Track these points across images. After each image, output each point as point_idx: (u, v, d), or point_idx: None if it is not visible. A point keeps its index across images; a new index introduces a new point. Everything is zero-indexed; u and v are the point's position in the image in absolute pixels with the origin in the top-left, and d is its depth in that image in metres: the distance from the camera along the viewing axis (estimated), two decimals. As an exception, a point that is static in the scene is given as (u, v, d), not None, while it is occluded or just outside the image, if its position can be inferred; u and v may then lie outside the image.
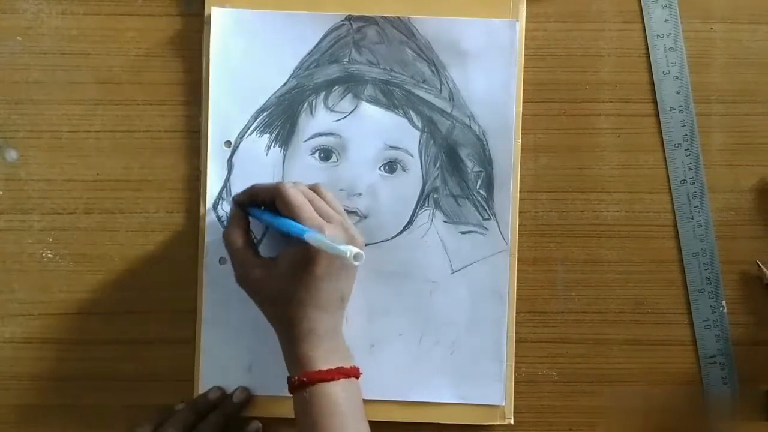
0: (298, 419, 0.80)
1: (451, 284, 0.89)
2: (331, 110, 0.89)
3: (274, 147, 0.89)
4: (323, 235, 0.75)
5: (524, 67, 0.90)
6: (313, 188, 0.84)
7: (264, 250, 0.88)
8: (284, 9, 0.89)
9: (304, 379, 0.78)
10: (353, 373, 0.81)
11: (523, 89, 0.90)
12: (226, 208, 0.89)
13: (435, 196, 0.89)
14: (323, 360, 0.79)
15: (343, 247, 0.72)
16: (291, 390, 0.80)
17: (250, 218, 0.85)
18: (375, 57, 0.89)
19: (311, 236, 0.74)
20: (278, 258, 0.81)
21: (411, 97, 0.89)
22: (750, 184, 0.91)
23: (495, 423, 0.89)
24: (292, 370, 0.80)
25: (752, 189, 0.91)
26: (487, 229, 0.89)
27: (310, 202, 0.81)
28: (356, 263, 0.72)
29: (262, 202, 0.83)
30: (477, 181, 0.89)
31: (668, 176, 0.91)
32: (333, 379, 0.78)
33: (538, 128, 0.91)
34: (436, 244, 0.89)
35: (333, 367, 0.79)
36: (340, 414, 0.78)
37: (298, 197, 0.79)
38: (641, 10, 0.91)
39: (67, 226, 0.91)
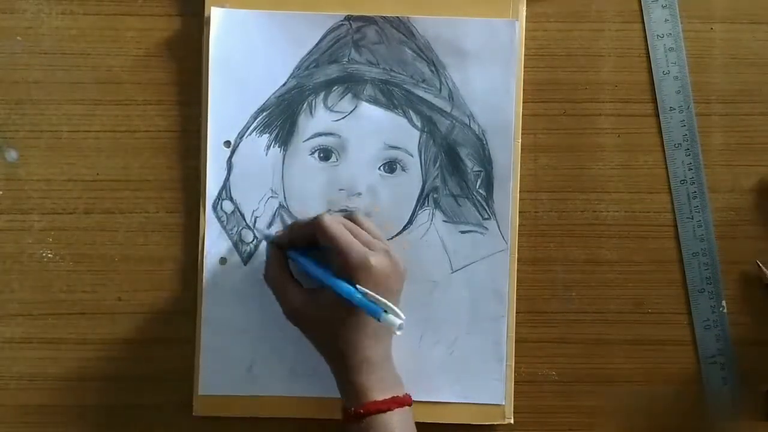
0: None
1: (451, 284, 0.89)
2: (331, 110, 0.89)
3: (273, 147, 0.89)
4: (367, 300, 0.76)
5: (524, 67, 0.90)
6: (350, 217, 0.85)
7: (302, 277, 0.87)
8: (284, 9, 0.89)
9: (361, 410, 0.78)
10: (407, 401, 0.81)
11: (523, 89, 0.90)
12: (226, 207, 0.89)
13: (435, 195, 0.89)
14: (378, 390, 0.79)
15: (390, 318, 0.74)
16: (345, 420, 0.80)
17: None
18: (374, 57, 0.89)
19: (359, 300, 0.76)
20: (324, 290, 0.80)
21: (410, 96, 0.89)
22: (750, 184, 0.91)
23: (495, 423, 0.89)
24: (348, 400, 0.80)
25: (752, 189, 0.91)
26: (486, 228, 0.89)
27: (350, 231, 0.81)
28: (398, 333, 0.74)
29: (302, 240, 0.84)
30: (477, 181, 0.89)
31: (668, 176, 0.91)
32: (389, 410, 0.79)
33: (538, 128, 0.91)
34: (436, 243, 0.89)
35: (388, 397, 0.79)
36: None
37: (337, 227, 0.80)
38: (641, 10, 0.91)
39: (67, 226, 0.91)
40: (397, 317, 0.74)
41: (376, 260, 0.78)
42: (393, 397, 0.80)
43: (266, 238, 0.89)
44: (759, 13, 0.92)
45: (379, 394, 0.79)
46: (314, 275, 0.81)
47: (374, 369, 0.80)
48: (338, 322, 0.79)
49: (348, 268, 0.78)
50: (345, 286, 0.77)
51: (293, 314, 0.82)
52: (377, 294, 0.77)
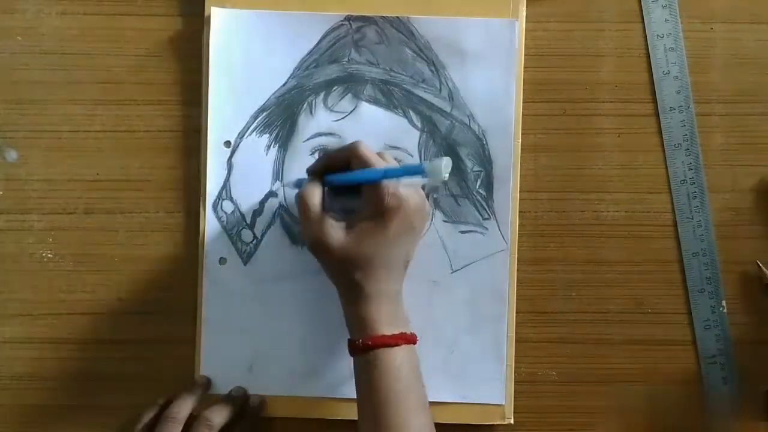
0: (359, 381, 0.80)
1: (451, 284, 0.89)
2: (331, 110, 0.89)
3: (273, 147, 0.89)
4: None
5: (524, 67, 0.90)
6: (380, 155, 0.83)
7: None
8: (284, 9, 0.89)
9: (369, 342, 0.78)
10: (413, 339, 0.81)
11: (523, 89, 0.90)
12: (226, 207, 0.89)
13: (434, 195, 0.89)
14: (387, 324, 0.79)
15: (435, 163, 0.74)
16: (352, 352, 0.80)
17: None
18: (374, 57, 0.89)
19: (430, 166, 0.75)
20: (352, 220, 0.80)
21: (410, 96, 0.89)
22: (750, 184, 0.91)
23: (495, 423, 0.89)
24: (355, 332, 0.80)
25: (752, 189, 0.91)
26: (486, 228, 0.89)
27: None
28: (446, 173, 0.74)
29: (336, 169, 0.82)
30: (476, 181, 0.89)
31: (668, 176, 0.91)
32: (396, 345, 0.79)
33: (538, 128, 0.91)
34: (435, 243, 0.89)
35: (396, 332, 0.79)
36: (402, 379, 0.78)
37: (374, 154, 0.80)
38: (641, 10, 0.91)
39: (67, 226, 0.91)
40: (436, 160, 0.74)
41: (406, 191, 0.78)
42: (401, 333, 0.80)
43: (294, 185, 0.89)
44: (759, 13, 0.91)
45: (387, 328, 0.79)
46: (352, 179, 0.80)
47: (386, 304, 0.80)
48: (362, 254, 0.79)
49: (380, 195, 0.78)
50: (382, 168, 0.78)
51: (320, 244, 0.80)
52: (402, 229, 0.79)
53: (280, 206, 0.89)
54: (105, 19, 0.91)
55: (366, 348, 0.78)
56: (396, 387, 0.78)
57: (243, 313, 0.89)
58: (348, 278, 0.80)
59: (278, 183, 0.90)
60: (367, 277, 0.79)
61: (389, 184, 0.77)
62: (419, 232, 0.83)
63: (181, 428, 0.85)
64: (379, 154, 0.82)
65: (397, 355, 0.79)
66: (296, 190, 0.85)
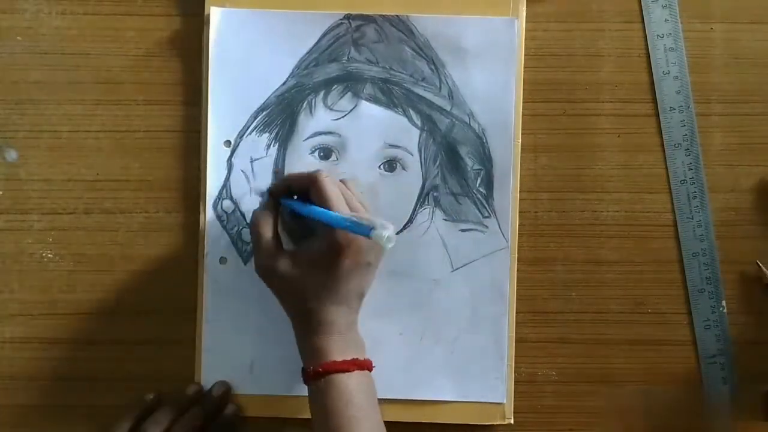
0: (313, 409, 0.80)
1: (451, 282, 0.89)
2: (331, 109, 0.89)
3: (273, 146, 0.89)
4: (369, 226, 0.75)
5: (524, 67, 0.90)
6: (343, 182, 0.85)
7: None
8: (283, 8, 0.89)
9: (320, 369, 0.78)
10: (367, 365, 0.81)
11: (523, 89, 0.90)
12: (226, 207, 0.89)
13: (435, 194, 0.89)
14: (339, 352, 0.79)
15: (380, 232, 0.73)
16: (306, 381, 0.80)
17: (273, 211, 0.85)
18: (374, 55, 0.89)
19: (349, 221, 0.75)
20: (303, 251, 0.81)
21: (410, 95, 0.89)
22: (750, 184, 0.91)
23: (495, 423, 0.89)
24: (307, 361, 0.81)
25: (752, 189, 0.91)
26: (487, 227, 0.89)
27: (342, 194, 0.81)
28: (389, 246, 0.73)
29: (296, 192, 0.84)
30: (477, 179, 0.89)
31: (668, 176, 0.91)
32: (348, 370, 0.79)
33: (538, 128, 0.91)
34: (436, 242, 0.89)
35: (348, 359, 0.79)
36: (354, 405, 0.78)
37: (334, 189, 0.80)
38: (641, 10, 0.91)
39: (67, 226, 0.91)
40: (384, 229, 0.73)
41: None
42: (353, 359, 0.80)
43: (261, 194, 0.89)
44: (759, 13, 0.92)
45: (339, 355, 0.79)
46: (304, 212, 0.81)
47: (338, 334, 0.80)
48: (312, 285, 0.79)
49: (335, 233, 0.78)
50: (334, 214, 0.77)
51: (268, 272, 0.82)
52: (355, 264, 0.79)
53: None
54: (105, 19, 0.91)
55: (317, 375, 0.79)
56: (349, 413, 0.78)
57: (243, 313, 0.89)
58: (298, 308, 0.82)
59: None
60: (317, 309, 0.80)
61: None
62: (375, 267, 0.83)
63: None
64: (343, 181, 0.84)
65: (350, 381, 0.79)
66: (260, 203, 0.88)
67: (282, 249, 0.82)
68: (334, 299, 0.80)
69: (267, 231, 0.82)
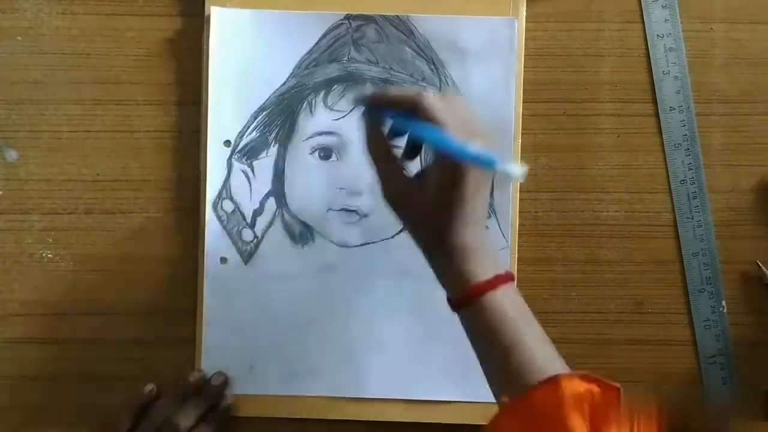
0: (470, 334, 0.77)
1: (451, 282, 0.89)
2: (331, 109, 0.89)
3: (273, 146, 0.89)
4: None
5: (524, 67, 0.90)
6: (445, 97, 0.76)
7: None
8: (283, 8, 0.89)
9: (470, 293, 0.75)
10: (510, 277, 0.77)
11: (523, 89, 0.90)
12: (226, 207, 0.89)
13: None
14: (482, 272, 0.76)
15: (508, 164, 0.65)
16: (455, 309, 0.77)
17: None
18: (374, 56, 0.89)
19: (475, 152, 0.66)
20: (425, 177, 0.76)
21: (411, 95, 0.89)
22: (750, 184, 0.91)
23: (495, 422, 0.89)
24: (452, 289, 0.77)
25: (752, 189, 0.91)
26: (487, 227, 0.89)
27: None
28: (520, 179, 0.69)
29: (398, 109, 0.75)
30: (477, 179, 0.89)
31: (668, 176, 0.91)
32: (494, 288, 0.75)
33: (538, 128, 0.91)
34: (436, 242, 0.89)
35: (491, 276, 0.76)
36: (510, 319, 0.75)
37: (443, 110, 0.72)
38: (641, 10, 0.91)
39: (67, 226, 0.91)
40: (509, 163, 0.66)
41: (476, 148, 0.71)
42: (496, 276, 0.76)
43: (357, 100, 0.79)
44: (759, 13, 0.92)
45: (483, 275, 0.76)
46: (421, 136, 0.75)
47: (476, 254, 0.76)
48: (441, 212, 0.75)
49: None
50: (456, 145, 0.69)
51: (395, 200, 0.77)
52: (479, 183, 0.74)
53: (281, 204, 0.89)
54: (105, 19, 0.91)
55: (469, 300, 0.75)
56: (507, 329, 0.75)
57: (243, 313, 0.89)
58: (431, 236, 0.77)
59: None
60: (451, 234, 0.75)
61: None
62: (491, 178, 0.80)
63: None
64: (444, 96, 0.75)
65: (500, 297, 0.75)
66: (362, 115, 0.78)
67: (405, 176, 0.76)
68: (463, 220, 0.75)
69: (384, 154, 0.76)
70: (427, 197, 0.74)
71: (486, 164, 0.66)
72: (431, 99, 0.71)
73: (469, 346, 0.89)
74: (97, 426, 0.90)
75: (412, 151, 0.79)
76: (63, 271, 0.91)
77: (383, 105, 0.75)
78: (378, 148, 0.76)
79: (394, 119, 0.75)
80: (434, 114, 0.71)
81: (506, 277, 0.76)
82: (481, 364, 0.77)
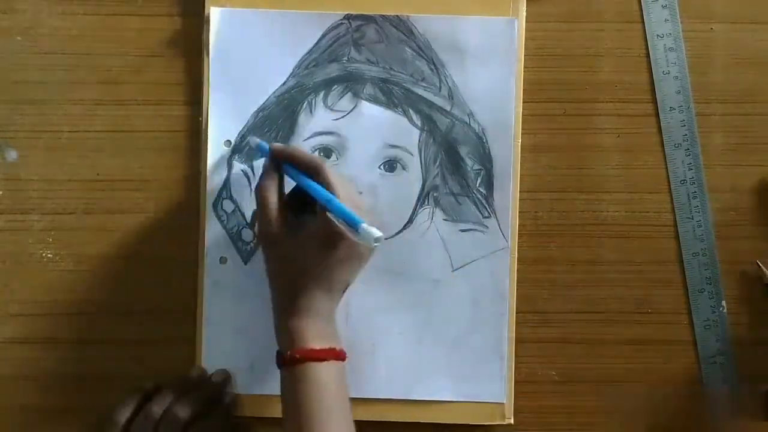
0: (285, 394, 0.80)
1: (451, 282, 0.89)
2: (331, 109, 0.89)
3: (274, 146, 0.90)
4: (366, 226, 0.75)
5: (524, 67, 0.90)
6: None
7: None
8: (283, 8, 0.90)
9: (297, 355, 0.78)
10: (342, 356, 0.81)
11: (523, 89, 0.90)
12: (226, 207, 0.89)
13: (435, 194, 0.89)
14: (317, 339, 0.79)
15: (368, 230, 0.73)
16: (280, 365, 0.80)
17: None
18: (374, 55, 0.89)
19: (364, 229, 0.74)
20: (303, 228, 0.81)
21: (410, 95, 0.89)
22: (750, 184, 0.91)
23: (495, 423, 0.89)
24: (284, 344, 0.80)
25: (752, 189, 0.91)
26: (487, 227, 0.89)
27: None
28: (375, 245, 0.74)
29: (297, 165, 0.82)
30: (477, 179, 0.89)
31: (668, 176, 0.91)
32: (325, 359, 0.79)
33: (538, 128, 0.91)
34: (436, 242, 0.89)
35: (326, 347, 0.79)
36: (328, 394, 0.78)
37: (339, 180, 0.79)
38: (641, 10, 0.91)
39: (67, 226, 0.91)
40: (372, 227, 0.74)
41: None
42: (330, 348, 0.80)
43: (259, 147, 0.87)
44: (759, 13, 0.92)
45: (317, 342, 0.79)
46: (307, 186, 0.80)
47: (319, 320, 0.80)
48: (306, 266, 0.79)
49: (336, 219, 0.78)
50: (334, 198, 0.77)
51: (268, 239, 0.81)
52: (350, 254, 0.79)
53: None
54: (105, 19, 0.91)
55: (294, 361, 0.79)
56: (322, 403, 0.78)
57: (243, 313, 0.89)
58: (286, 285, 0.81)
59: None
60: (305, 293, 0.80)
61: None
62: (365, 262, 0.83)
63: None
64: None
65: (325, 370, 0.79)
66: (256, 145, 0.87)
67: (286, 219, 0.81)
68: (322, 284, 0.80)
69: (273, 196, 0.81)
70: (299, 250, 0.79)
71: (351, 222, 0.75)
72: (330, 170, 0.79)
73: (469, 346, 0.89)
74: (96, 418, 0.90)
75: (298, 203, 0.84)
76: (63, 271, 0.91)
77: (288, 161, 0.82)
78: (269, 190, 0.81)
79: (291, 173, 0.82)
80: (330, 176, 0.79)
81: (338, 354, 0.80)
82: (283, 425, 0.80)
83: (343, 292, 0.83)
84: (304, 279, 0.80)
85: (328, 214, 0.77)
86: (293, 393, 0.79)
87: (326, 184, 0.79)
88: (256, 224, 0.82)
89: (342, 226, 0.76)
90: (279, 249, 0.81)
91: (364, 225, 0.74)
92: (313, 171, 0.80)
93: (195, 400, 0.86)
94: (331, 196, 0.77)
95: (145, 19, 0.91)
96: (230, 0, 0.90)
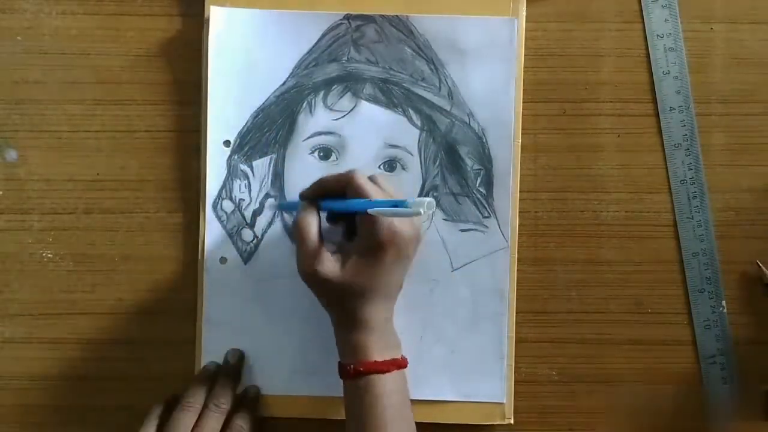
0: (349, 406, 0.81)
1: (451, 282, 0.89)
2: (331, 109, 0.89)
3: (273, 146, 0.89)
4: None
5: (524, 67, 0.90)
6: (373, 179, 0.83)
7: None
8: (283, 8, 0.89)
9: (361, 369, 0.79)
10: (404, 364, 0.82)
11: (523, 89, 0.90)
12: (226, 207, 0.89)
13: (435, 194, 0.89)
14: (379, 350, 0.80)
15: (419, 200, 0.74)
16: (343, 377, 0.81)
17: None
18: (374, 55, 0.89)
19: (413, 202, 0.74)
20: (346, 252, 0.81)
21: (410, 95, 0.89)
22: (750, 184, 0.91)
23: (495, 423, 0.89)
24: (346, 357, 0.81)
25: (752, 189, 0.91)
26: (487, 227, 0.89)
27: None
28: (431, 211, 0.75)
29: (331, 194, 0.83)
30: (476, 179, 0.89)
31: (668, 176, 0.91)
32: (387, 371, 0.80)
33: (538, 128, 0.91)
34: (436, 242, 0.89)
35: (388, 358, 0.80)
36: (390, 405, 0.79)
37: (370, 185, 0.80)
38: (641, 10, 0.91)
39: (67, 226, 0.91)
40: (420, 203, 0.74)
41: (400, 223, 0.79)
42: (392, 359, 0.81)
43: (282, 206, 0.89)
44: (759, 13, 0.92)
45: (379, 355, 0.80)
46: (344, 207, 0.81)
47: (378, 330, 0.81)
48: (358, 283, 0.79)
49: (376, 227, 0.78)
50: (373, 201, 0.78)
51: (314, 275, 0.80)
52: (398, 256, 0.80)
53: (280, 206, 0.90)
54: (105, 19, 0.91)
55: (357, 374, 0.79)
56: (386, 414, 0.79)
57: (243, 313, 0.89)
58: (342, 306, 0.81)
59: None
60: (361, 306, 0.80)
61: (384, 218, 0.78)
62: (412, 258, 0.83)
63: (196, 417, 0.85)
64: (371, 178, 0.83)
65: (388, 381, 0.80)
66: (289, 211, 0.89)
67: (327, 253, 0.81)
68: (377, 294, 0.81)
69: (313, 233, 0.81)
70: (345, 267, 0.80)
71: (400, 206, 0.75)
72: (358, 173, 0.80)
73: (469, 346, 0.89)
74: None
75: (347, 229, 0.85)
76: (63, 271, 0.91)
77: (320, 195, 0.83)
78: (306, 225, 0.81)
79: (327, 206, 0.83)
80: (361, 182, 0.80)
81: (400, 363, 0.82)
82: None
83: (399, 292, 0.84)
84: (358, 296, 0.80)
85: (373, 215, 0.77)
86: (357, 404, 0.80)
87: (359, 192, 0.79)
88: (298, 262, 0.82)
89: (390, 211, 0.76)
90: (329, 280, 0.80)
91: (411, 199, 0.74)
92: (344, 186, 0.81)
93: (229, 388, 0.87)
94: (367, 200, 0.78)
95: (145, 19, 0.91)
96: (230, 0, 0.90)
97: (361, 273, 0.79)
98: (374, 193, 0.79)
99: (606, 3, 0.91)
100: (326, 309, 0.84)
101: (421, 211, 0.73)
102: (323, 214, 0.84)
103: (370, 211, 0.76)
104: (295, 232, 0.83)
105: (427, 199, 0.73)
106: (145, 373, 0.91)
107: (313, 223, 0.82)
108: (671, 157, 0.91)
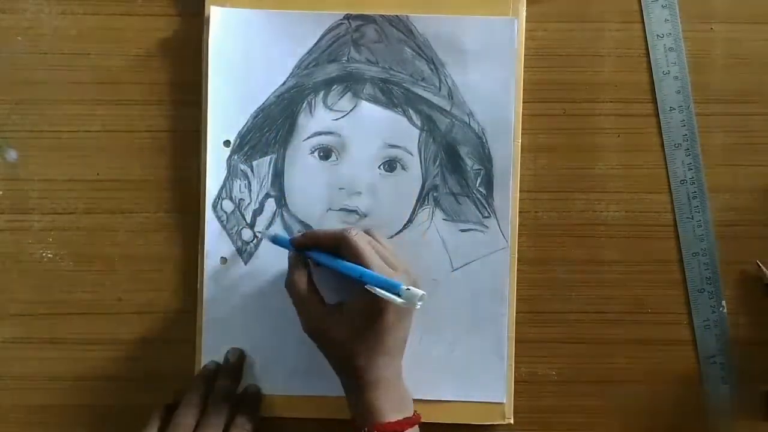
0: None
1: (451, 282, 0.89)
2: (331, 109, 0.89)
3: (273, 146, 0.89)
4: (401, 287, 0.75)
5: (524, 67, 0.90)
6: (369, 233, 0.85)
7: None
8: (283, 8, 0.90)
9: (375, 431, 0.79)
10: (417, 420, 0.82)
11: (523, 89, 0.90)
12: (226, 207, 0.89)
13: (435, 194, 0.89)
14: (391, 411, 0.80)
15: (412, 291, 0.74)
16: None
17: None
18: (374, 55, 0.89)
19: (405, 292, 0.74)
20: (345, 307, 0.81)
21: (410, 95, 0.89)
22: (750, 184, 0.91)
23: (495, 422, 0.89)
24: (359, 417, 0.81)
25: (752, 189, 0.91)
26: (487, 227, 0.89)
27: (373, 248, 0.81)
28: (418, 306, 0.74)
29: (323, 248, 0.83)
30: (477, 179, 0.89)
31: (668, 176, 0.91)
32: (402, 431, 0.80)
33: (538, 128, 0.91)
34: (436, 242, 0.89)
35: (401, 418, 0.80)
36: None
37: (366, 245, 0.80)
38: (641, 10, 0.91)
39: (67, 226, 0.91)
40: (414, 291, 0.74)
41: (398, 281, 0.78)
42: (405, 419, 0.81)
43: (272, 239, 0.88)
44: (759, 13, 0.92)
45: (392, 415, 0.80)
46: (337, 268, 0.81)
47: (388, 389, 0.81)
48: (359, 342, 0.80)
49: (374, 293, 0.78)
50: (368, 272, 0.78)
51: (315, 331, 0.82)
52: (399, 314, 0.80)
53: (280, 205, 0.89)
54: (105, 19, 0.91)
55: None
56: None
57: (243, 313, 0.89)
58: (350, 366, 0.81)
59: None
60: (368, 366, 0.80)
61: (380, 272, 0.78)
62: (413, 313, 0.83)
63: (197, 417, 0.85)
64: (368, 232, 0.84)
65: None
66: (272, 238, 0.89)
67: (325, 306, 0.82)
68: (382, 352, 0.80)
69: (304, 290, 0.82)
70: (348, 329, 0.80)
71: (390, 288, 0.75)
72: (355, 237, 0.80)
73: (469, 346, 0.89)
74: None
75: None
76: (63, 271, 0.91)
77: (310, 247, 0.83)
78: (300, 285, 0.82)
79: (317, 258, 0.83)
80: (356, 244, 0.79)
81: (413, 421, 0.81)
82: None
83: (405, 346, 0.84)
84: (363, 356, 0.80)
85: (367, 286, 0.76)
86: None
87: (354, 254, 0.79)
88: (302, 323, 0.83)
89: (383, 293, 0.75)
90: (330, 336, 0.81)
91: (405, 288, 0.74)
92: (338, 245, 0.81)
93: (224, 397, 0.87)
94: (362, 269, 0.78)
95: (145, 19, 0.91)
96: (230, 0, 0.90)
97: (362, 332, 0.80)
98: (370, 257, 0.79)
99: (606, 3, 0.91)
100: (334, 369, 0.84)
101: (416, 303, 0.74)
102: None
103: (366, 286, 0.76)
104: (289, 291, 0.83)
105: (421, 291, 0.74)
106: (145, 373, 0.91)
107: (303, 281, 0.83)
108: (671, 157, 0.91)
